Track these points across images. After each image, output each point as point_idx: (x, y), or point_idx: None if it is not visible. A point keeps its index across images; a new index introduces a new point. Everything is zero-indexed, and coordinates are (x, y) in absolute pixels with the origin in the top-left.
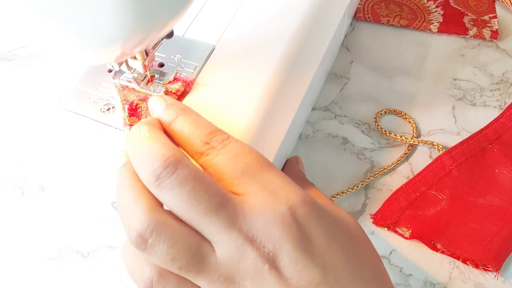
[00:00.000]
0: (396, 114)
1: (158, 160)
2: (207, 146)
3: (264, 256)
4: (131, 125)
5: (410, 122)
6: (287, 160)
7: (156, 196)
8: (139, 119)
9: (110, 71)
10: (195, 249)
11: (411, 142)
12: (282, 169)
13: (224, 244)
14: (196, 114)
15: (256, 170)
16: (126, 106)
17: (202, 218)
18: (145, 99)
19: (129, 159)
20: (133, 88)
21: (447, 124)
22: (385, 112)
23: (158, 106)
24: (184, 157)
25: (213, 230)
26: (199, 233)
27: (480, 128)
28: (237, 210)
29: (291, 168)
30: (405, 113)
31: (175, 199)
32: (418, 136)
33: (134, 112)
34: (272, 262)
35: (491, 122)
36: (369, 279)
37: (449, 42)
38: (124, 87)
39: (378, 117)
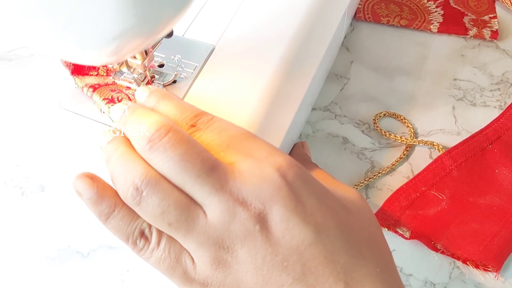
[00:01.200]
0: (395, 118)
1: (151, 126)
2: (193, 128)
3: (255, 217)
4: None
5: (408, 126)
6: (294, 145)
7: (149, 161)
8: None
9: (112, 71)
10: (185, 206)
11: (411, 143)
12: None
13: (215, 206)
14: (179, 99)
15: (240, 141)
16: (109, 104)
17: (195, 180)
18: (120, 91)
19: (114, 136)
20: (105, 84)
21: (447, 124)
22: (384, 115)
23: (141, 95)
24: (175, 124)
25: (205, 192)
26: (190, 197)
27: (480, 128)
28: (227, 173)
29: (296, 151)
30: (404, 117)
31: (168, 162)
32: (417, 136)
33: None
34: (263, 223)
35: (491, 122)
36: (363, 242)
37: (449, 42)
38: (95, 87)
39: (377, 119)
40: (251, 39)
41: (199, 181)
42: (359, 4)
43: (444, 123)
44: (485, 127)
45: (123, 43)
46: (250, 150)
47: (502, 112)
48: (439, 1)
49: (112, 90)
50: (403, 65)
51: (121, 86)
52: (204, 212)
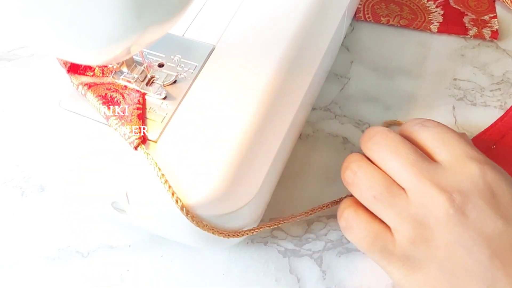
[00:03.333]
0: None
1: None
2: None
3: (453, 205)
4: (114, 116)
5: None
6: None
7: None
8: (119, 106)
9: (110, 71)
10: (388, 185)
11: None
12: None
13: (418, 190)
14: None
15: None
16: (102, 101)
17: (402, 167)
18: (116, 91)
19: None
20: (101, 83)
21: (447, 124)
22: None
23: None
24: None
25: (408, 179)
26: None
27: (480, 128)
28: (437, 167)
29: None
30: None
31: (380, 153)
32: None
33: (111, 102)
34: (458, 208)
35: (494, 122)
36: None
37: (449, 42)
38: (90, 85)
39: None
40: (251, 39)
41: (404, 169)
42: (359, 4)
43: (444, 123)
44: (488, 127)
45: (123, 43)
46: (459, 151)
47: (506, 112)
48: (439, 1)
49: (107, 89)
50: (403, 65)
51: (118, 85)
52: (406, 193)
